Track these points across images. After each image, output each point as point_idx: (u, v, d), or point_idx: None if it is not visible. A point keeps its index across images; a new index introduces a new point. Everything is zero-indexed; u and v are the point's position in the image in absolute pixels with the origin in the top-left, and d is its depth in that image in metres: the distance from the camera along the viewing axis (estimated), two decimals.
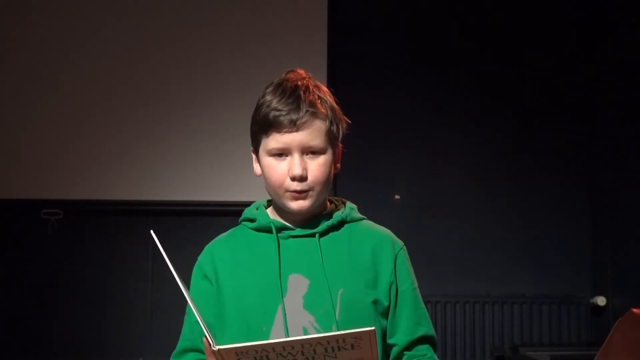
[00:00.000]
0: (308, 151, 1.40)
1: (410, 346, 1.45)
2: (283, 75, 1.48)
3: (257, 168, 1.48)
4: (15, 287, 3.57)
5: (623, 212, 3.47)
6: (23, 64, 3.67)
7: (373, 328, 1.11)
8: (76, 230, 3.63)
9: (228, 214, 3.55)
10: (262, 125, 1.41)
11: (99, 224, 3.65)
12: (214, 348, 1.11)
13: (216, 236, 1.58)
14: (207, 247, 1.54)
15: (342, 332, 1.11)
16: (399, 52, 3.78)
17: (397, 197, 3.69)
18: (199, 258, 1.52)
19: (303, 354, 1.12)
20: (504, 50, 3.81)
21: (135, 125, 3.66)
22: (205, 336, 1.16)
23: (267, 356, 1.12)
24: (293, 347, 1.11)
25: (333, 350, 1.13)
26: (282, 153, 1.40)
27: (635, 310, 1.60)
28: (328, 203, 1.52)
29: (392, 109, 3.75)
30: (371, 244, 1.47)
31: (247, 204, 1.56)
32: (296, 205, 1.41)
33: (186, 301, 1.22)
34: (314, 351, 1.13)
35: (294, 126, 1.38)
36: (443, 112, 3.77)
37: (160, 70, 3.69)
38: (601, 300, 3.55)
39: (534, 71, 3.80)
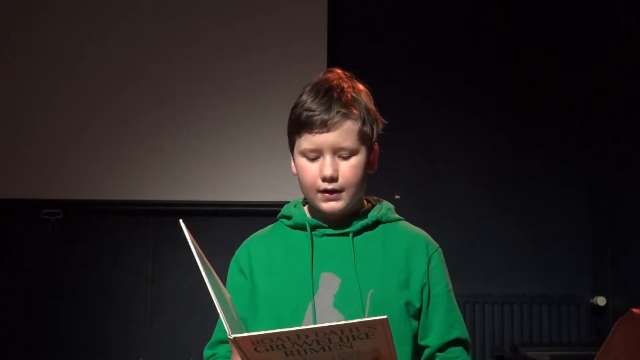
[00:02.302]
0: (340, 152, 1.41)
1: (442, 348, 1.45)
2: (321, 75, 1.48)
3: (293, 167, 1.49)
4: (15, 287, 3.57)
5: (623, 213, 3.48)
6: (24, 64, 3.67)
7: (386, 317, 1.11)
8: (76, 230, 3.63)
9: (229, 214, 3.58)
10: (295, 125, 1.42)
11: (99, 224, 3.66)
12: (229, 336, 1.12)
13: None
14: (244, 242, 1.55)
15: (355, 320, 1.11)
16: (398, 52, 3.78)
17: (397, 197, 3.69)
18: (236, 253, 1.53)
19: (318, 342, 1.12)
20: (503, 50, 3.81)
21: (136, 125, 3.66)
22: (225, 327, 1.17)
23: (282, 345, 1.12)
24: (307, 336, 1.11)
25: (348, 340, 1.13)
26: (314, 153, 1.41)
27: (635, 310, 1.60)
28: (365, 202, 1.52)
29: (392, 109, 3.73)
30: (405, 245, 1.47)
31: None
32: (328, 206, 1.42)
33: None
34: (329, 340, 1.12)
35: (325, 127, 1.38)
36: (443, 112, 3.77)
37: (160, 71, 3.69)
38: (601, 300, 3.55)
39: (534, 71, 3.80)
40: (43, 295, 3.58)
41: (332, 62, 3.62)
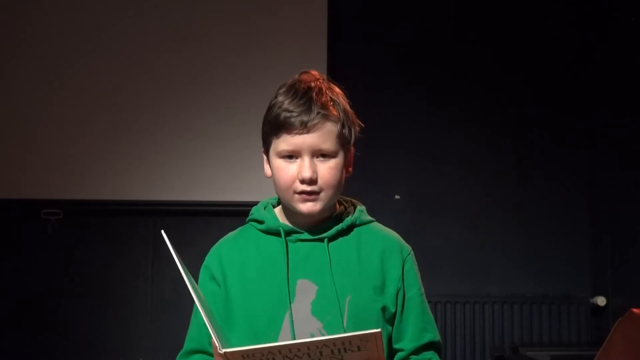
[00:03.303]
0: (319, 154, 1.38)
1: (417, 351, 1.46)
2: (296, 76, 1.45)
3: (267, 169, 1.46)
4: (15, 287, 3.57)
5: (623, 213, 3.47)
6: (24, 63, 3.66)
7: (379, 330, 1.11)
8: (76, 230, 3.63)
9: (229, 214, 3.56)
10: (273, 126, 1.39)
11: (99, 224, 3.65)
12: (220, 351, 1.10)
13: (217, 237, 1.57)
14: (214, 247, 1.51)
15: (349, 334, 1.11)
16: (398, 53, 3.78)
17: (397, 197, 3.69)
18: (206, 259, 1.49)
19: (309, 356, 1.12)
20: (503, 51, 3.81)
21: (136, 125, 3.66)
22: (213, 339, 1.15)
23: (273, 358, 1.11)
24: (299, 350, 1.11)
25: (339, 352, 1.13)
26: (292, 155, 1.38)
27: (635, 310, 1.60)
28: (337, 205, 1.50)
29: (392, 109, 3.75)
30: (379, 248, 1.46)
31: (250, 204, 1.55)
32: (306, 208, 1.39)
33: (191, 301, 1.20)
34: (320, 353, 1.12)
35: (305, 128, 1.35)
36: (442, 112, 3.77)
37: (160, 71, 3.68)
38: (601, 300, 3.55)
39: (534, 71, 3.79)
40: (43, 295, 3.58)
41: (332, 62, 3.62)
